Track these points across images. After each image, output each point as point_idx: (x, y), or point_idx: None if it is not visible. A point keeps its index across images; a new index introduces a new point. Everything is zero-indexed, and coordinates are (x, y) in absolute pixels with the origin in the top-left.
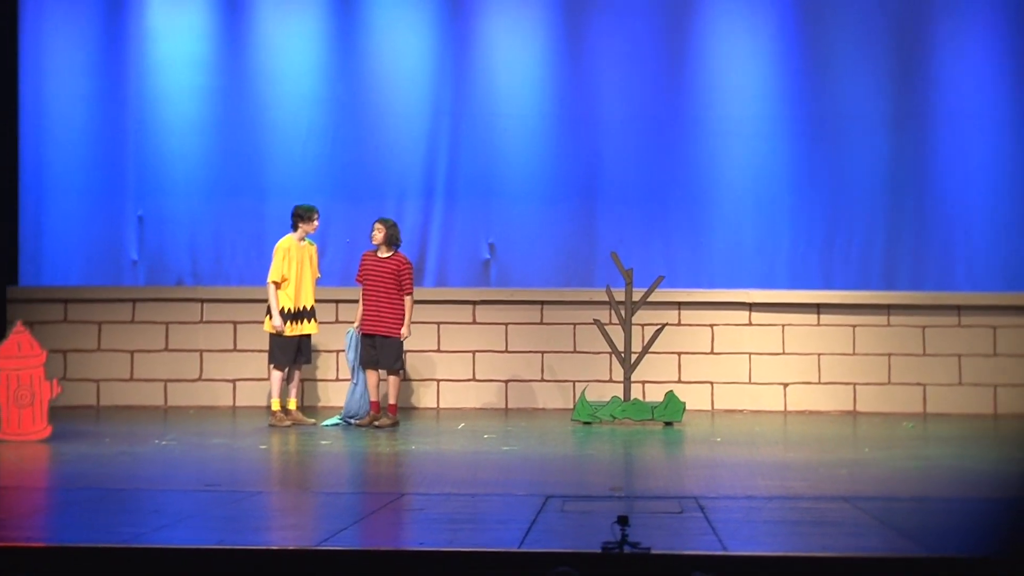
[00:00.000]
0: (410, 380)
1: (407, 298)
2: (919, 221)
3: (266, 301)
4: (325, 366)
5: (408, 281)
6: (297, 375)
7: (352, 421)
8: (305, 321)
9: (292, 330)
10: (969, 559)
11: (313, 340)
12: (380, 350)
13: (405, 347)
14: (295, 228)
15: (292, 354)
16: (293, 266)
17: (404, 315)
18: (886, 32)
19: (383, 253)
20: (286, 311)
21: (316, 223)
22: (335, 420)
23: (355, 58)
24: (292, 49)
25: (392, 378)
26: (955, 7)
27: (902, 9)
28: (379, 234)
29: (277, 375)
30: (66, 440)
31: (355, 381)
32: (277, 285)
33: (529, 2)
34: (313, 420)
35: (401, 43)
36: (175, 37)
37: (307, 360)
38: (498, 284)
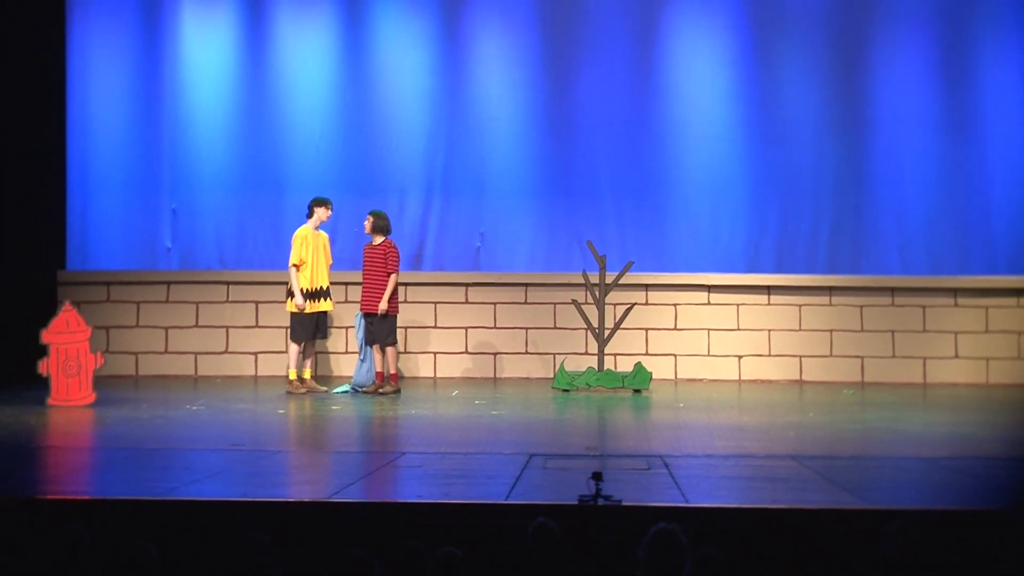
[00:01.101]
0: (410, 352)
1: (391, 276)
2: (858, 213)
3: (285, 283)
4: (335, 340)
5: (392, 262)
6: (312, 348)
7: (360, 389)
8: (322, 300)
9: (311, 308)
10: (900, 510)
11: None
12: (375, 327)
13: (403, 323)
14: (310, 216)
15: (311, 330)
16: (309, 252)
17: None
18: (829, 46)
19: (375, 241)
20: (305, 291)
21: (329, 213)
22: (345, 388)
23: (362, 70)
24: (307, 62)
25: (389, 350)
26: (890, 24)
27: (843, 26)
28: (368, 224)
29: (295, 348)
30: (108, 406)
31: (362, 356)
32: (297, 268)
33: (515, 22)
34: (325, 388)
35: (403, 57)
36: (205, 51)
37: (324, 335)
38: (487, 268)
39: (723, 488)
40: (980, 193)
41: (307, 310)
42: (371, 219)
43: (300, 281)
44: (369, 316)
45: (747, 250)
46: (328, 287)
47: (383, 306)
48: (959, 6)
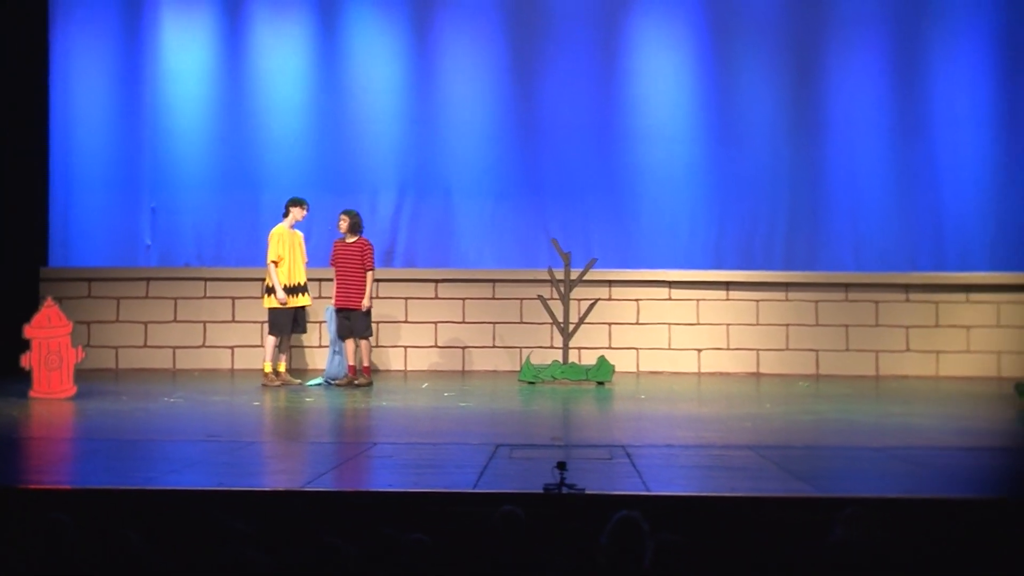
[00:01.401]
0: (381, 346)
1: (368, 273)
2: (813, 212)
3: (261, 280)
4: (308, 335)
5: (369, 260)
6: (287, 343)
7: (332, 382)
8: (300, 295)
9: (291, 302)
10: (852, 498)
11: None
12: (352, 321)
13: (376, 317)
14: (286, 216)
15: (289, 324)
16: (286, 249)
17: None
18: (785, 52)
19: (349, 239)
20: (285, 286)
21: (305, 212)
22: (318, 380)
23: (336, 75)
24: (283, 66)
25: (363, 343)
26: (843, 31)
27: (798, 32)
28: (343, 223)
29: (272, 341)
30: (89, 398)
31: (334, 348)
32: (275, 264)
33: (483, 29)
34: (299, 381)
35: (375, 63)
36: (184, 55)
37: (302, 329)
38: (456, 265)
39: (683, 477)
40: (930, 193)
41: (289, 304)
42: (347, 218)
43: (279, 276)
44: (344, 311)
45: (706, 247)
46: (305, 283)
47: (366, 302)
48: (910, 14)
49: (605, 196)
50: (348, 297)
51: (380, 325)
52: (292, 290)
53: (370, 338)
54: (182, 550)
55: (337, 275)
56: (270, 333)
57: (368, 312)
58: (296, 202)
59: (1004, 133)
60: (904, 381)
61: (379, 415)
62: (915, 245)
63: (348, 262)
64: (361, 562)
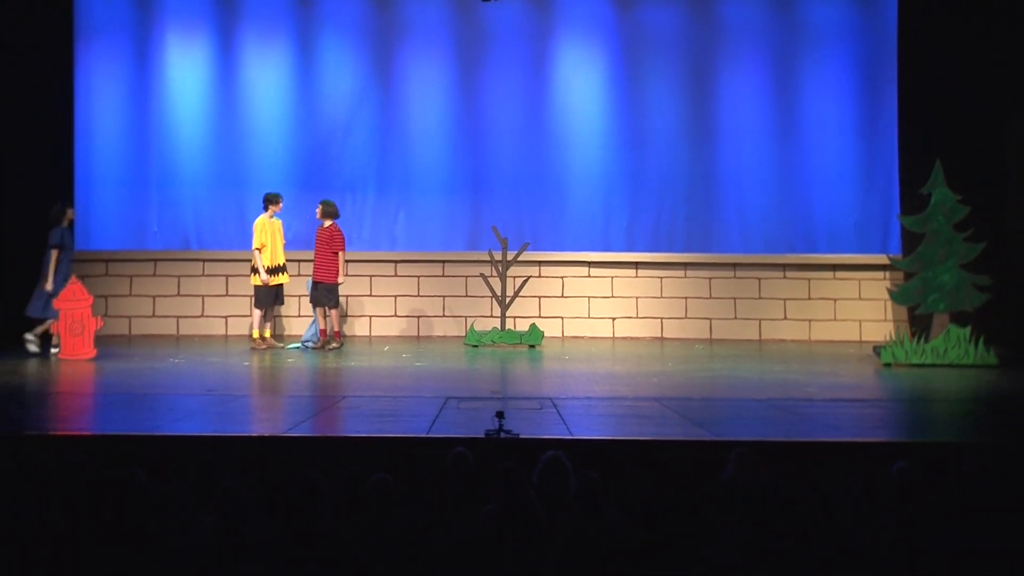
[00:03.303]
0: (351, 316)
1: (339, 254)
2: (707, 204)
3: (249, 261)
4: (288, 307)
5: (338, 243)
6: (271, 313)
7: (309, 345)
8: (280, 274)
9: (272, 281)
10: (740, 441)
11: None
12: (321, 293)
13: (345, 292)
14: (266, 209)
15: (272, 298)
16: (268, 236)
17: (337, 268)
18: (684, 68)
19: (324, 224)
20: (266, 268)
21: (280, 205)
22: (297, 345)
23: (311, 90)
24: (267, 85)
25: (333, 312)
26: (731, 52)
27: (694, 51)
28: (319, 211)
29: (258, 313)
30: (106, 359)
31: (314, 317)
32: (259, 251)
33: (435, 51)
34: (282, 345)
35: (343, 80)
36: (185, 75)
37: (282, 302)
38: (412, 248)
39: (600, 424)
40: (803, 188)
41: (271, 283)
42: (321, 206)
43: (263, 260)
44: (316, 284)
45: (619, 233)
46: (284, 264)
47: (340, 278)
48: (787, 38)
49: (536, 191)
50: (318, 271)
51: (349, 298)
52: (273, 271)
53: (338, 308)
54: (183, 485)
55: (315, 255)
56: (255, 306)
57: (335, 286)
58: (272, 198)
59: (865, 138)
60: (782, 344)
61: (348, 373)
62: (791, 231)
63: (320, 244)
64: (336, 495)
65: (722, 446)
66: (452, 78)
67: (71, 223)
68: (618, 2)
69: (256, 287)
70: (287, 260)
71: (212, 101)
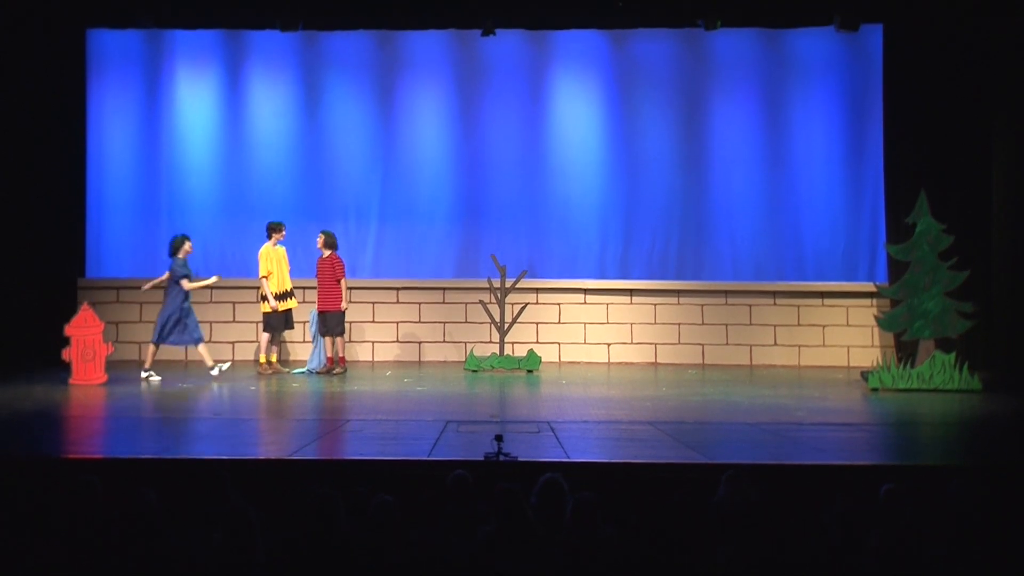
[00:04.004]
0: (353, 341)
1: (341, 282)
2: (700, 232)
3: (256, 288)
4: (295, 332)
5: (339, 271)
6: (279, 338)
7: (313, 371)
8: (289, 299)
9: (281, 307)
10: (732, 464)
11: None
12: (327, 321)
13: (349, 318)
14: (269, 237)
15: (281, 324)
16: (274, 263)
17: (340, 296)
18: (678, 100)
19: (324, 255)
20: (275, 294)
21: (283, 233)
22: (302, 370)
23: (316, 122)
24: (273, 117)
25: (338, 340)
26: (723, 83)
27: (687, 84)
28: (319, 241)
29: (266, 338)
30: (117, 384)
31: (316, 344)
32: (266, 278)
33: (436, 84)
34: (287, 370)
35: (348, 112)
36: (194, 108)
37: (291, 327)
38: (414, 276)
39: (596, 446)
40: (792, 217)
41: (280, 308)
42: (322, 237)
43: (270, 287)
44: (322, 313)
45: (614, 262)
46: (291, 289)
47: (344, 305)
48: (777, 70)
49: (534, 220)
50: (323, 301)
51: (352, 324)
52: (280, 296)
53: (343, 335)
54: (192, 507)
55: (318, 284)
56: (264, 331)
57: (341, 314)
58: (275, 226)
59: (851, 168)
60: (773, 370)
61: (352, 397)
62: (781, 259)
63: (323, 274)
64: (347, 512)
65: (714, 468)
66: (452, 110)
67: (187, 254)
68: (612, 36)
69: (265, 314)
70: (294, 286)
71: (220, 132)
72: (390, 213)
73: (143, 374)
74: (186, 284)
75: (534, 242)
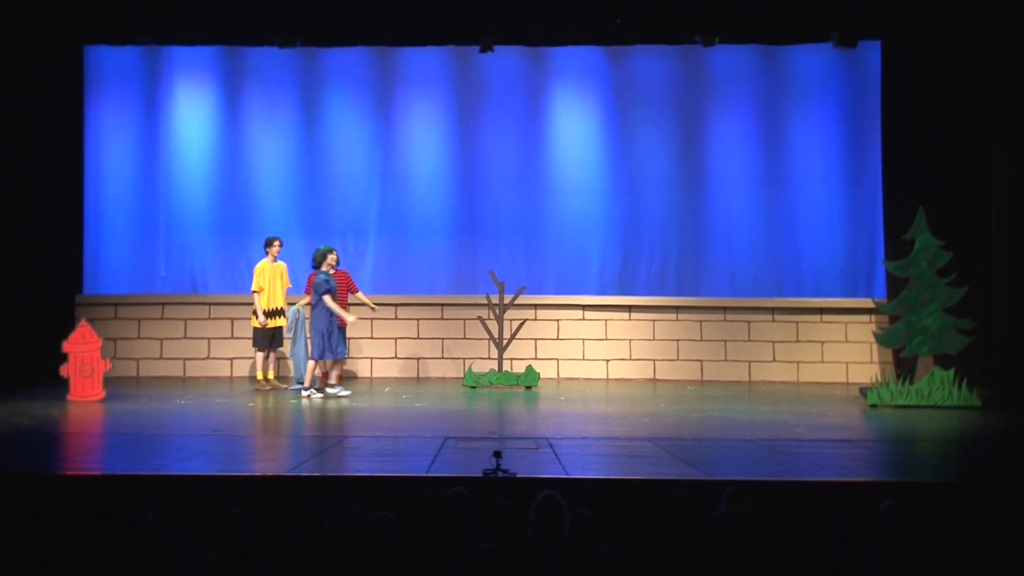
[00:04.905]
0: (353, 358)
1: (325, 297)
2: (697, 249)
3: (252, 305)
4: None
5: (316, 290)
6: (272, 355)
7: (310, 388)
8: (279, 317)
9: (271, 324)
10: (731, 480)
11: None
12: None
13: (349, 333)
14: (267, 253)
15: (268, 340)
16: (267, 280)
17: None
18: (676, 118)
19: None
20: (265, 311)
21: (276, 248)
22: (298, 387)
23: (314, 140)
24: (271, 133)
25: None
26: (722, 102)
27: (686, 103)
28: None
29: (260, 355)
30: (114, 400)
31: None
32: (257, 293)
33: (434, 102)
34: (285, 386)
35: (345, 130)
36: (192, 125)
37: (279, 344)
38: (413, 292)
39: (595, 463)
40: (790, 234)
41: (268, 325)
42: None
43: (261, 303)
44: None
45: (613, 278)
46: (282, 307)
47: (352, 318)
48: (775, 88)
49: (533, 236)
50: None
51: (350, 340)
52: (270, 313)
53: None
54: (189, 524)
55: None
56: (253, 347)
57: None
58: (268, 241)
59: (850, 184)
60: (771, 386)
61: (350, 413)
62: (779, 276)
63: (310, 293)
64: (339, 532)
65: (713, 485)
66: (450, 126)
67: (331, 266)
68: (611, 53)
69: (255, 329)
70: (294, 303)
71: (218, 149)
72: (388, 229)
73: (304, 392)
74: (327, 301)
75: (532, 258)
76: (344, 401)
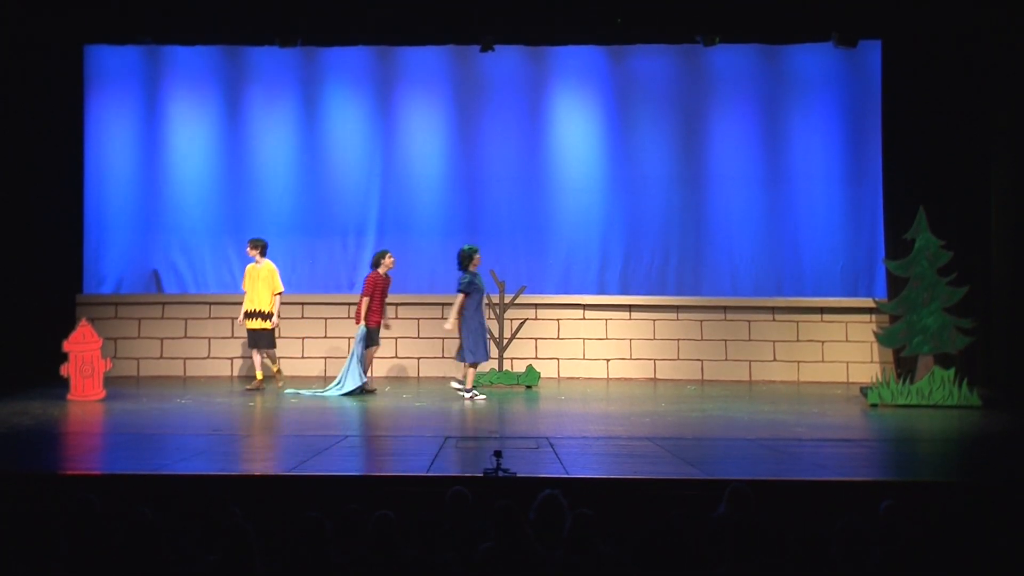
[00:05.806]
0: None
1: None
2: (699, 248)
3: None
4: (292, 348)
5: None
6: (267, 355)
7: (353, 389)
8: (254, 319)
9: (247, 325)
10: (731, 480)
11: (283, 329)
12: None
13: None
14: (262, 256)
15: (252, 341)
16: (248, 281)
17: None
18: (676, 118)
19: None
20: (245, 311)
21: (258, 250)
22: (296, 390)
23: (313, 139)
24: (270, 133)
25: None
26: (722, 102)
27: (687, 102)
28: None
29: (256, 355)
30: (115, 400)
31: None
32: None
33: (435, 101)
34: (281, 383)
35: (346, 129)
36: (192, 126)
37: (255, 346)
38: (413, 292)
39: (595, 462)
40: (791, 234)
41: (246, 326)
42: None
43: (245, 303)
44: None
45: (613, 277)
46: (263, 309)
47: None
48: (776, 87)
49: (533, 235)
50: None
51: (350, 341)
52: (248, 314)
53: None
54: (190, 524)
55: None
56: (248, 347)
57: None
58: (250, 243)
59: (850, 184)
60: (772, 385)
61: (350, 413)
62: (780, 275)
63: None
64: (338, 532)
65: (714, 484)
66: (451, 125)
67: (476, 265)
68: (611, 52)
69: (248, 329)
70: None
71: (219, 149)
72: (389, 228)
73: (466, 395)
74: (458, 298)
75: (533, 257)
76: (344, 401)
